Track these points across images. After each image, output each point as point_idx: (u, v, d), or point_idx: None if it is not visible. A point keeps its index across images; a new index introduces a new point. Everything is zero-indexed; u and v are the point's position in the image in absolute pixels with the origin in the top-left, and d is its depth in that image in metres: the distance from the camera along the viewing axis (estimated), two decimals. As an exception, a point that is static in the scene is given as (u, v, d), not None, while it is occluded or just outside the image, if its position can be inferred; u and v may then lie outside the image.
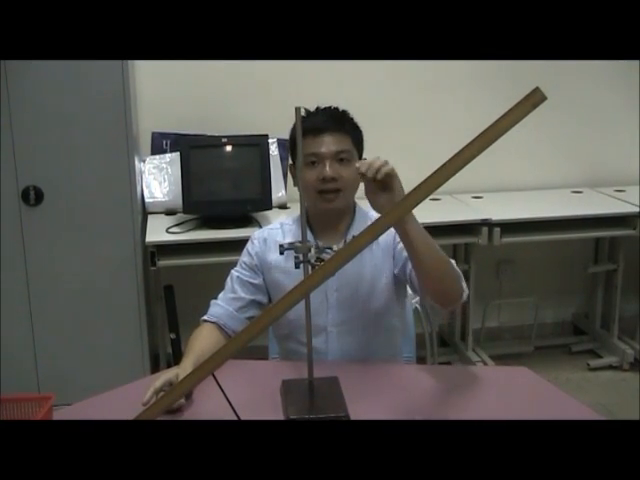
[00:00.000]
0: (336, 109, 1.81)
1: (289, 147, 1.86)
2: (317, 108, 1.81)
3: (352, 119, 1.81)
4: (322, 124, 1.75)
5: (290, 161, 1.90)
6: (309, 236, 1.77)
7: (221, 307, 1.82)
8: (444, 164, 1.25)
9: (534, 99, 1.29)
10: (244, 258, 1.87)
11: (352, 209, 1.84)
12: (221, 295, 1.86)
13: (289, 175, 3.36)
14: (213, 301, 1.85)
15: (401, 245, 1.72)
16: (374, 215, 1.62)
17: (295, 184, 1.85)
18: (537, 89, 1.28)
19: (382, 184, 1.47)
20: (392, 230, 1.78)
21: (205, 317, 1.82)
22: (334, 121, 1.77)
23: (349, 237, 1.76)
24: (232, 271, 1.88)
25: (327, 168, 1.72)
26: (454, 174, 1.25)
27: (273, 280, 1.83)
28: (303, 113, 1.71)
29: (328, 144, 1.74)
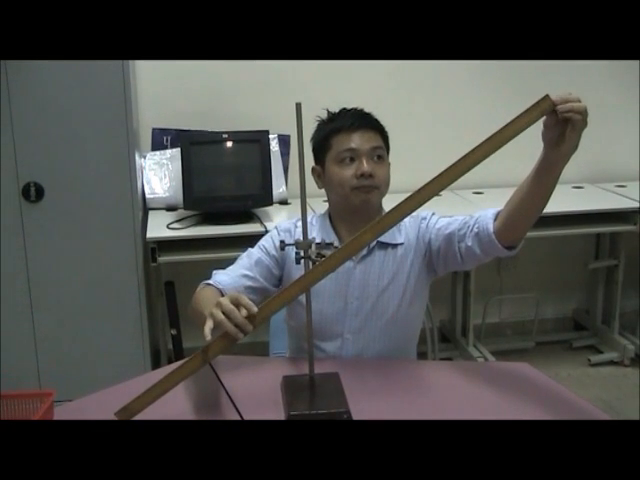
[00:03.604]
0: (362, 110, 1.79)
1: (314, 149, 1.79)
2: (342, 109, 1.78)
3: (377, 119, 1.78)
4: (355, 121, 1.73)
5: (315, 163, 1.80)
6: (334, 238, 1.75)
7: (230, 278, 1.72)
8: (449, 167, 1.25)
9: (543, 107, 1.28)
10: (266, 244, 1.79)
11: (379, 214, 1.77)
12: (231, 268, 1.77)
13: (290, 171, 3.37)
14: (219, 271, 1.75)
15: (437, 227, 1.72)
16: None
17: (320, 186, 1.80)
18: (547, 97, 1.27)
19: (568, 121, 1.32)
20: (415, 225, 1.77)
21: (210, 281, 1.72)
22: (365, 119, 1.75)
23: (373, 243, 1.72)
24: (251, 250, 1.79)
25: (365, 164, 1.70)
26: (458, 178, 1.25)
27: (291, 276, 1.75)
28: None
29: (363, 140, 1.72)
